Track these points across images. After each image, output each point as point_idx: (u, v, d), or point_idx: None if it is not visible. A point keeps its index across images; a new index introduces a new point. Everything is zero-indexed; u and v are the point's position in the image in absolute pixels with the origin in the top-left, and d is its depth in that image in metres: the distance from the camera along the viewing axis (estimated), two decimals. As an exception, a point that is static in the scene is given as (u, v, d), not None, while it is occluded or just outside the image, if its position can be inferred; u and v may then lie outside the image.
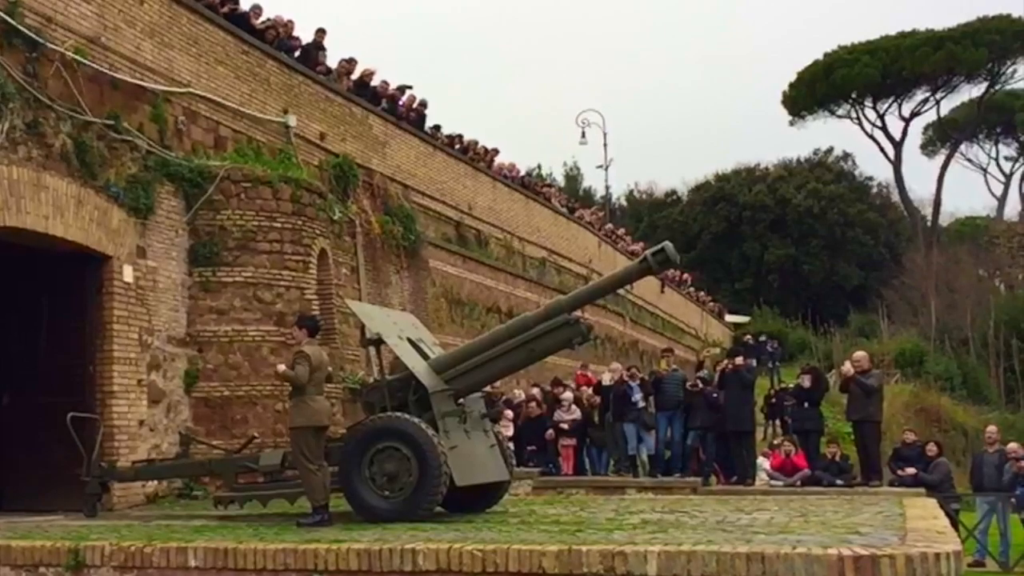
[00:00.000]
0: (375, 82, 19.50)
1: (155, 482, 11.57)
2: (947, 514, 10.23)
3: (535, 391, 17.59)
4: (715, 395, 15.64)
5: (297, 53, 16.77)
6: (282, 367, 9.60)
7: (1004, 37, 55.95)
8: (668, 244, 9.47)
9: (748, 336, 39.65)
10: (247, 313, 12.89)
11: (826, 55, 59.31)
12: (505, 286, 23.89)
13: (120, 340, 11.38)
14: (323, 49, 17.82)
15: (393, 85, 20.34)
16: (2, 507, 11.06)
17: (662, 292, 41.05)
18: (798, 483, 15.16)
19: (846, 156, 63.00)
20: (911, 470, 15.86)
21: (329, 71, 17.74)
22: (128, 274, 11.59)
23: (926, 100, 59.82)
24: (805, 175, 60.77)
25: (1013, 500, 15.54)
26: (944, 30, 56.84)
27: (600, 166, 44.86)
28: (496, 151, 25.80)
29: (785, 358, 38.64)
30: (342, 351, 14.68)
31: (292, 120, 15.38)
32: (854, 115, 61.16)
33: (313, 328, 9.50)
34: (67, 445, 10.22)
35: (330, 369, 9.81)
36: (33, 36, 10.55)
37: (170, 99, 12.74)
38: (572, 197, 41.99)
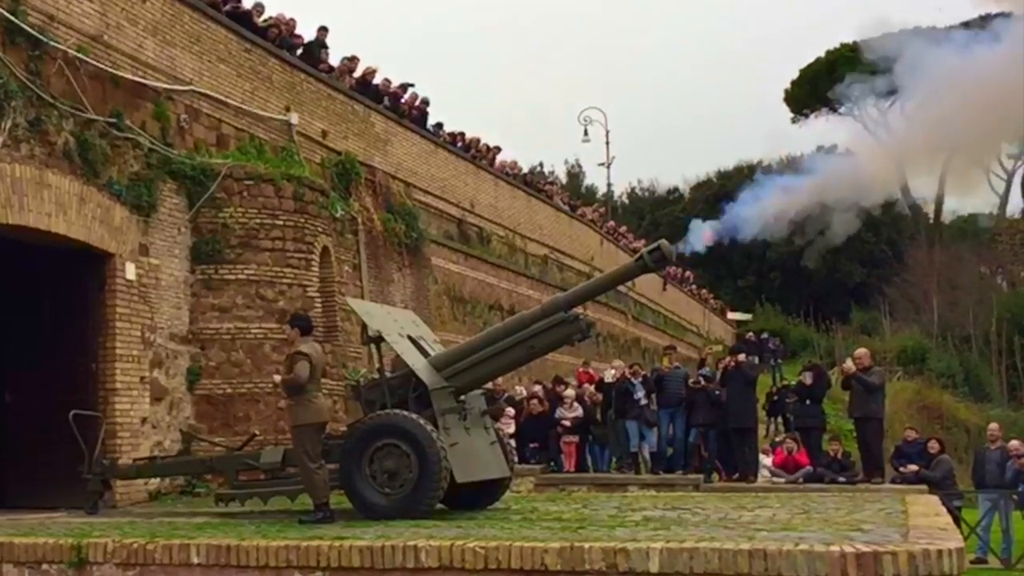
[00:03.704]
0: (377, 80, 19.52)
1: (157, 479, 11.58)
2: (949, 511, 10.22)
3: (537, 388, 17.61)
4: (717, 392, 15.66)
5: (299, 51, 16.78)
6: (278, 377, 9.63)
7: (1006, 35, 55.84)
8: (664, 242, 9.52)
9: (750, 333, 39.66)
10: (249, 311, 12.90)
11: (828, 53, 59.18)
12: (507, 284, 23.90)
13: (123, 338, 11.38)
14: (325, 47, 17.83)
15: (395, 83, 20.37)
16: (5, 504, 11.07)
17: (664, 289, 41.08)
18: (800, 480, 15.18)
19: (848, 153, 62.87)
20: (913, 467, 15.86)
21: (331, 69, 17.76)
22: (130, 272, 11.59)
23: (929, 97, 59.69)
24: (807, 173, 60.65)
25: (1015, 497, 15.55)
26: (945, 29, 56.71)
27: (602, 164, 44.93)
28: (498, 149, 25.84)
29: (787, 355, 38.63)
30: (344, 349, 14.69)
31: (294, 118, 15.38)
32: (856, 113, 61.03)
33: (306, 326, 9.49)
34: (69, 442, 10.23)
35: (326, 366, 9.81)
36: (36, 34, 10.55)
37: (172, 97, 12.75)
38: (574, 195, 42.05)
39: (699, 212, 60.53)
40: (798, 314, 52.64)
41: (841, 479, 14.87)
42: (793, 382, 19.13)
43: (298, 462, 9.13)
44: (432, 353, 9.87)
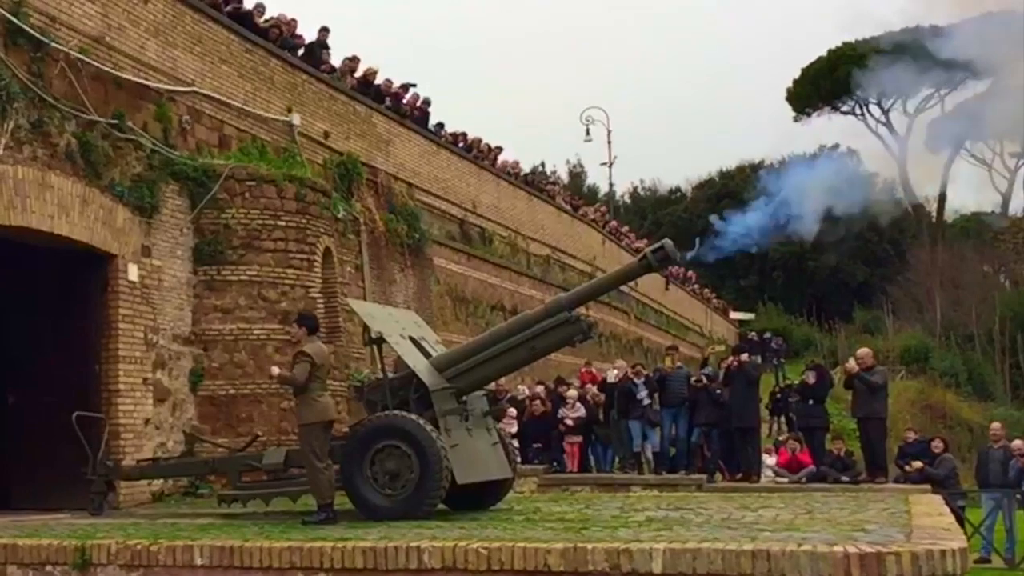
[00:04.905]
0: (378, 81, 19.51)
1: (160, 480, 11.59)
2: (953, 511, 10.21)
3: (539, 389, 17.61)
4: (719, 392, 15.64)
5: (301, 52, 16.79)
6: (277, 370, 9.62)
7: (1009, 33, 55.64)
8: (667, 241, 9.50)
9: (753, 333, 39.66)
10: (252, 312, 12.90)
11: (830, 51, 59.12)
12: (509, 284, 23.90)
13: (125, 339, 11.39)
14: (326, 47, 17.84)
15: (396, 83, 20.37)
16: (9, 506, 11.09)
17: (666, 289, 41.08)
18: (803, 480, 15.17)
19: (851, 152, 62.88)
20: (918, 463, 15.80)
21: (333, 69, 17.76)
22: (133, 273, 11.60)
23: (931, 96, 59.63)
24: (810, 171, 60.53)
25: (1019, 496, 15.53)
26: (948, 27, 56.57)
27: (604, 163, 44.98)
28: (500, 149, 25.82)
29: (790, 355, 38.63)
30: (347, 349, 14.69)
31: (296, 119, 15.38)
32: (858, 112, 60.98)
33: (313, 325, 9.50)
34: (73, 444, 10.23)
35: (330, 367, 9.81)
36: (38, 36, 10.56)
37: (174, 98, 12.76)
38: (576, 195, 42.02)
39: (701, 211, 60.72)
40: (801, 313, 52.66)
41: (844, 478, 14.86)
42: (796, 382, 19.12)
43: (305, 461, 9.13)
44: (434, 354, 9.87)
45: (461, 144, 23.36)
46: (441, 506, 9.10)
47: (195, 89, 13.14)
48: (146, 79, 12.20)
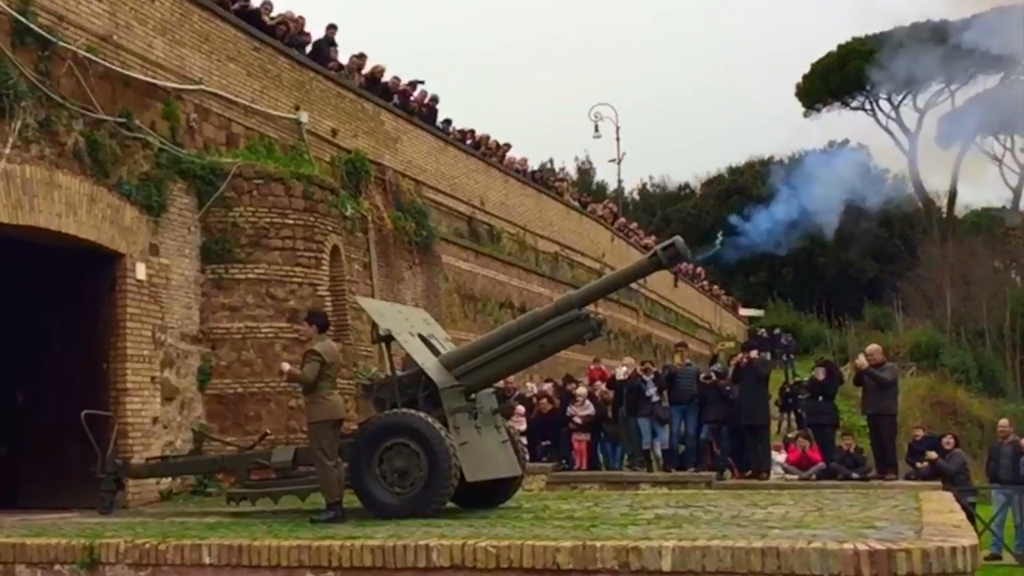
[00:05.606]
0: (386, 78, 19.51)
1: (169, 479, 11.61)
2: (963, 507, 10.16)
3: (548, 386, 17.59)
4: (728, 388, 15.60)
5: (308, 49, 16.79)
6: (287, 366, 9.61)
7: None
8: (678, 239, 9.46)
9: (762, 329, 39.53)
10: (260, 310, 12.91)
11: (840, 47, 58.96)
12: (518, 281, 23.88)
13: (133, 338, 11.41)
14: (334, 45, 17.83)
15: (404, 80, 20.35)
16: (17, 504, 11.12)
17: (675, 286, 41.02)
18: (813, 477, 15.13)
19: (861, 148, 62.68)
20: (932, 454, 15.68)
21: (340, 67, 17.76)
22: (141, 272, 11.62)
23: (941, 91, 59.41)
24: (819, 168, 60.43)
25: (1030, 493, 15.46)
26: (959, 22, 56.40)
27: (613, 160, 44.94)
28: (508, 146, 25.80)
29: (799, 351, 38.52)
30: (355, 347, 14.70)
31: (304, 116, 15.39)
32: (868, 107, 60.81)
33: (323, 324, 9.51)
34: (81, 443, 10.26)
35: (340, 365, 9.80)
36: (45, 35, 10.57)
37: (182, 96, 12.77)
38: (584, 191, 42.00)
39: (710, 208, 60.65)
40: (810, 310, 52.54)
41: (854, 475, 14.81)
42: (806, 378, 19.06)
43: (314, 459, 9.13)
44: (443, 352, 9.84)
45: (469, 141, 23.35)
46: (450, 504, 9.09)
47: (203, 87, 13.15)
48: (154, 77, 12.21)
